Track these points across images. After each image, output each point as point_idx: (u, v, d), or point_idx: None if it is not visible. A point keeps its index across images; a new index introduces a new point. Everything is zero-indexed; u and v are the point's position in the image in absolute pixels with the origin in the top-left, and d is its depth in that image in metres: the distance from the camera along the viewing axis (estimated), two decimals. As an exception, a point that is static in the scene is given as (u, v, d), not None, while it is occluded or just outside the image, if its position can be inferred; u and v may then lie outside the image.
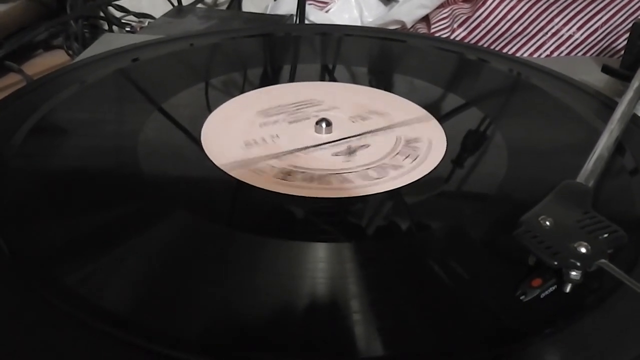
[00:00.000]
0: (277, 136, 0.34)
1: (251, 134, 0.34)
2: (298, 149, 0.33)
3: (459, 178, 0.32)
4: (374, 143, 0.34)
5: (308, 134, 0.34)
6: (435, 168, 0.32)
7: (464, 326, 0.22)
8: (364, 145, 0.34)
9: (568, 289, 0.22)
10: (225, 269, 0.24)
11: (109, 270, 0.24)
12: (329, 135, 0.34)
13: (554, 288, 0.22)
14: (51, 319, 0.22)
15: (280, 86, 0.41)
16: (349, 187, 0.30)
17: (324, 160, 0.32)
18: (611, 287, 0.23)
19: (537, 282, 0.22)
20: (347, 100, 0.39)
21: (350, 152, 0.32)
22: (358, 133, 0.35)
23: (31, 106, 0.35)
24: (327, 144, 0.34)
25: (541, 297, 0.22)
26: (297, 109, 0.37)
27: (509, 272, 0.24)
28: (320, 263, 0.25)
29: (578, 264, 0.21)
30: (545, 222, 0.22)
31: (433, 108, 0.38)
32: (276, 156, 0.32)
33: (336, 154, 0.33)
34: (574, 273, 0.21)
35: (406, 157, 0.32)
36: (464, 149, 0.34)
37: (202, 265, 0.24)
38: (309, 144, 0.33)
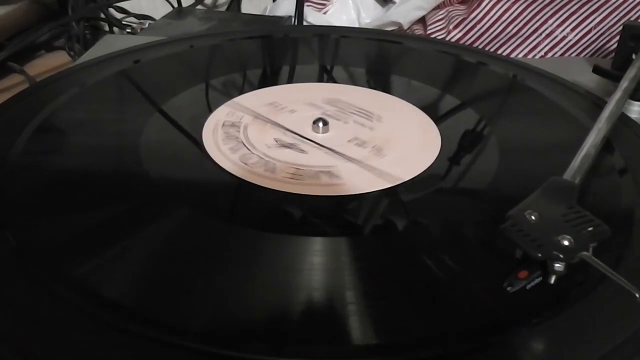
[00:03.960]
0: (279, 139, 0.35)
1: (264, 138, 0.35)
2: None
3: (452, 175, 0.33)
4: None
5: (309, 134, 0.36)
6: (430, 166, 0.33)
7: (454, 315, 0.23)
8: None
9: (552, 280, 0.23)
10: (244, 265, 0.25)
11: (113, 263, 0.25)
12: (325, 134, 0.35)
13: (539, 280, 0.23)
14: (57, 309, 0.23)
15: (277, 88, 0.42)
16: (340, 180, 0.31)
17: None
18: (596, 280, 0.24)
19: (523, 274, 0.23)
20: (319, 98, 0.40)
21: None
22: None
23: (36, 106, 0.36)
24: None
25: (527, 288, 0.23)
26: (290, 112, 0.38)
27: (496, 265, 0.25)
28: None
29: (561, 256, 0.22)
30: (531, 217, 0.23)
31: (426, 106, 0.39)
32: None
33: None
34: (557, 265, 0.22)
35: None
36: (457, 148, 0.35)
37: (207, 260, 0.25)
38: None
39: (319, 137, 0.35)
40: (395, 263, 0.26)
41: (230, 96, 0.40)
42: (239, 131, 0.35)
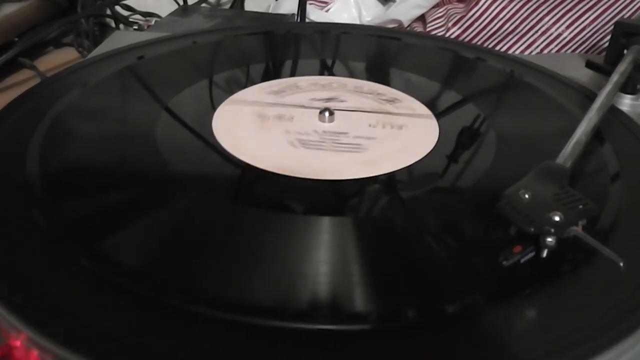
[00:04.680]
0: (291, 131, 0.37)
1: (270, 132, 0.36)
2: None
3: (452, 160, 0.35)
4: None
5: (315, 124, 0.37)
6: (430, 151, 0.35)
7: (453, 286, 0.25)
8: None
9: (545, 254, 0.25)
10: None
11: (135, 237, 0.27)
12: (331, 124, 0.37)
13: (532, 254, 0.25)
14: (83, 281, 0.25)
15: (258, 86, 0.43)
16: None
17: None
18: (586, 256, 0.26)
19: (517, 249, 0.25)
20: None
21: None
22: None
23: (55, 95, 0.38)
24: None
25: (521, 262, 0.25)
26: (290, 105, 0.40)
27: (492, 241, 0.27)
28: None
29: (552, 230, 0.24)
30: (524, 196, 0.25)
31: (423, 98, 0.41)
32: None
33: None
34: (549, 239, 0.24)
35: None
36: (455, 136, 0.37)
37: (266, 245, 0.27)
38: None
39: (326, 126, 0.36)
40: (404, 239, 0.28)
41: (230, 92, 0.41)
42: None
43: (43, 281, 0.25)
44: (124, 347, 0.22)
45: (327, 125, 0.36)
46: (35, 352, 0.23)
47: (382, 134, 0.36)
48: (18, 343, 0.23)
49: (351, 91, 0.41)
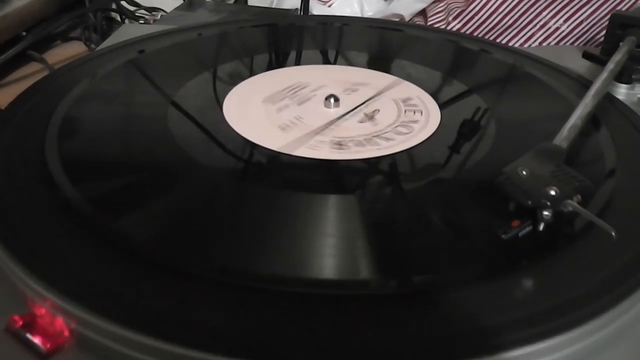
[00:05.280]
0: (301, 117, 0.38)
1: (278, 119, 0.38)
2: (328, 123, 0.37)
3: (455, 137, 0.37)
4: (381, 107, 0.39)
5: (321, 111, 0.39)
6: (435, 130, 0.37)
7: (456, 257, 0.26)
8: (375, 111, 0.39)
9: (541, 227, 0.26)
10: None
11: (153, 211, 0.29)
12: (337, 109, 0.38)
13: (530, 228, 0.27)
14: (105, 251, 0.26)
15: (263, 75, 0.45)
16: (393, 143, 0.35)
17: (356, 128, 0.37)
18: (581, 230, 0.28)
19: (516, 223, 0.26)
20: (329, 79, 0.43)
21: (370, 117, 0.37)
22: (361, 102, 0.40)
23: (74, 81, 0.40)
24: (348, 114, 0.38)
25: (519, 235, 0.26)
26: (294, 92, 0.41)
27: (493, 217, 0.28)
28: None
29: (548, 203, 0.25)
30: (522, 172, 0.27)
31: (421, 83, 0.43)
32: (317, 132, 0.36)
33: (361, 121, 0.37)
34: (545, 213, 0.25)
35: (415, 112, 0.39)
36: (457, 118, 0.39)
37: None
38: (331, 118, 0.38)
39: (332, 111, 0.38)
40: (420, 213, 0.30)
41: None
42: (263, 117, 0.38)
43: (67, 251, 0.26)
44: (146, 312, 0.23)
45: (332, 111, 0.38)
46: (60, 318, 0.24)
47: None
48: (43, 311, 0.25)
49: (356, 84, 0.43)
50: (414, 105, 0.40)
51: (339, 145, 0.34)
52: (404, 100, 0.40)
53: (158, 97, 0.39)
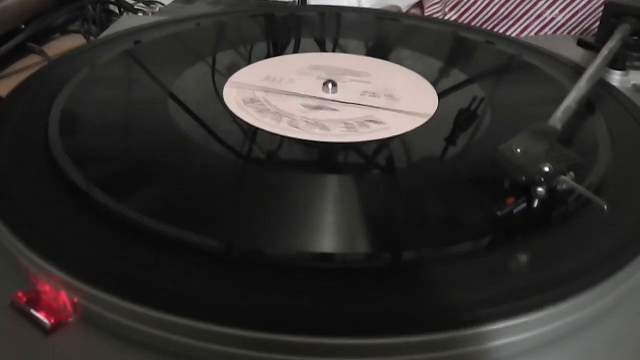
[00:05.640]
0: (298, 101, 0.38)
1: (276, 104, 0.38)
2: (324, 105, 0.38)
3: (453, 125, 0.37)
4: (377, 91, 0.40)
5: (319, 95, 0.39)
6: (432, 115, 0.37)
7: (455, 231, 0.27)
8: (373, 94, 0.40)
9: (535, 204, 0.27)
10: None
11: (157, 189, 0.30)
12: (335, 94, 0.39)
13: (524, 205, 0.27)
14: (108, 228, 0.27)
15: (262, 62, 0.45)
16: (385, 126, 0.36)
17: (353, 111, 0.38)
18: (574, 209, 0.28)
19: (510, 200, 0.27)
20: (327, 66, 0.44)
21: (372, 95, 0.39)
22: (359, 88, 0.41)
23: (77, 68, 0.40)
24: (344, 98, 0.39)
25: (514, 212, 0.27)
26: (290, 80, 0.41)
27: (489, 195, 0.29)
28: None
29: (542, 179, 0.26)
30: (517, 150, 0.27)
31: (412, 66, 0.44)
32: (312, 114, 0.37)
33: (358, 104, 0.38)
34: (539, 189, 0.26)
35: (410, 98, 0.39)
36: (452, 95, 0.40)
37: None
38: (328, 102, 0.38)
39: (330, 96, 0.38)
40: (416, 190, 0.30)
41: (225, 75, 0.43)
42: (265, 105, 0.38)
43: (68, 228, 0.27)
44: (145, 284, 0.24)
45: (330, 96, 0.38)
46: (63, 293, 0.25)
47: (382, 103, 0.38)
48: (46, 287, 0.25)
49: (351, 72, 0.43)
50: (408, 90, 0.40)
51: (324, 128, 0.35)
52: (402, 86, 0.41)
53: (158, 84, 0.40)
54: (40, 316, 0.24)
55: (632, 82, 0.46)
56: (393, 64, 0.45)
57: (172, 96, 0.38)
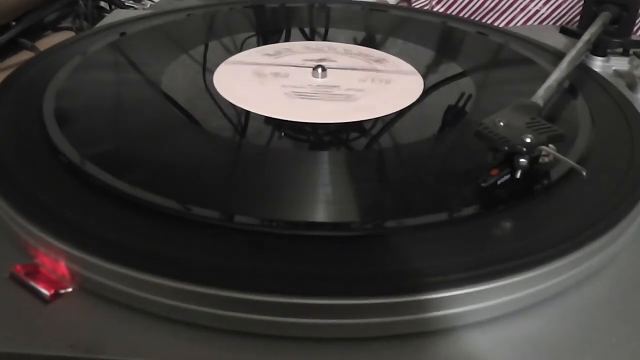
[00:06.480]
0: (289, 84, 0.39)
1: (264, 89, 0.39)
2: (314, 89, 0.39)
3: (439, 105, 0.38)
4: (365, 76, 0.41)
5: (308, 80, 0.40)
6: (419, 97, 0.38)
7: (441, 202, 0.28)
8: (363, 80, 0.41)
9: (518, 174, 0.28)
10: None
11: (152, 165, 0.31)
12: (324, 79, 0.39)
13: (508, 177, 0.28)
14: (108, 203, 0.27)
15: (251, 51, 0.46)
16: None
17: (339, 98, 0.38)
18: (556, 180, 0.29)
19: (494, 172, 0.28)
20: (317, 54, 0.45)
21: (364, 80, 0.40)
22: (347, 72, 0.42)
23: (71, 55, 0.41)
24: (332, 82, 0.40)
25: (498, 183, 0.28)
26: (281, 66, 0.42)
27: (474, 167, 0.30)
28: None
29: (524, 149, 0.27)
30: (500, 123, 0.28)
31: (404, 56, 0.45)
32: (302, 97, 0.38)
33: (348, 89, 0.39)
34: (522, 160, 0.27)
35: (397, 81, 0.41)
36: (437, 81, 0.41)
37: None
38: (317, 86, 0.39)
39: (319, 81, 0.39)
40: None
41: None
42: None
43: (65, 200, 0.28)
44: (141, 251, 0.25)
45: (320, 80, 0.39)
46: (62, 263, 0.25)
47: (371, 87, 0.39)
48: (45, 259, 0.26)
49: (341, 53, 0.44)
50: (397, 72, 0.42)
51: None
52: (395, 71, 0.42)
53: (151, 68, 0.41)
54: (40, 287, 0.25)
55: (613, 67, 0.47)
56: (384, 53, 0.46)
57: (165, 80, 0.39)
